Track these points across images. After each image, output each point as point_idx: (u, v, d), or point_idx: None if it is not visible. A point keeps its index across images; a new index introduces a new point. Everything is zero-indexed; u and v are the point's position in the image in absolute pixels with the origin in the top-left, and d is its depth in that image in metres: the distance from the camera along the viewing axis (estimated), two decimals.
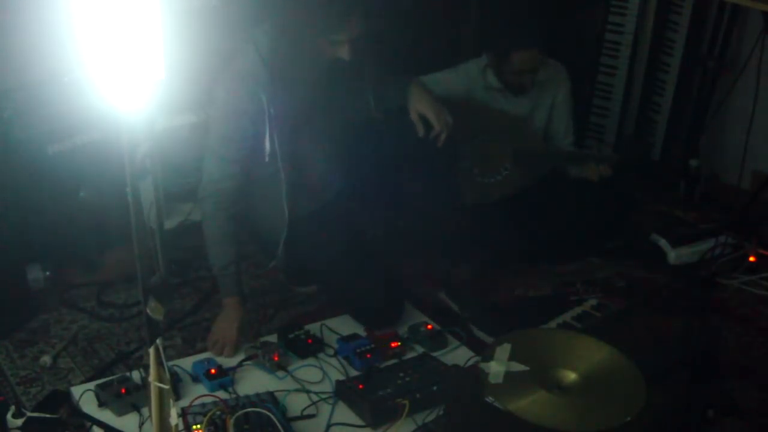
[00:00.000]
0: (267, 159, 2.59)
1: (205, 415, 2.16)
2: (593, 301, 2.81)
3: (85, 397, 2.37)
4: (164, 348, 1.68)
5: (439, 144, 2.69)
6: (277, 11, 2.50)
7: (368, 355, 2.54)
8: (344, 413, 2.35)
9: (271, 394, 2.36)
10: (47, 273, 2.97)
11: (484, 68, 3.22)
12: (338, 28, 2.41)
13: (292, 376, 2.49)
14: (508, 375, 2.01)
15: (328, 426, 2.30)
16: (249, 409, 2.22)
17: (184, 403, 2.27)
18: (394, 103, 2.73)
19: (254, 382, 2.45)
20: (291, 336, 2.64)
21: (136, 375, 2.41)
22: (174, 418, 1.71)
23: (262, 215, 2.74)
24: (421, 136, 2.68)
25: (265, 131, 2.56)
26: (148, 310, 1.61)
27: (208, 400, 2.26)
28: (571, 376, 2.03)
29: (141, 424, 2.27)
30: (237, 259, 2.60)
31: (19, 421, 2.26)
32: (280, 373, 2.49)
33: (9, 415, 2.26)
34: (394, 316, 2.76)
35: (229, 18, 3.26)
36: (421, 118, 2.68)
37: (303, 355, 2.58)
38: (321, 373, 2.50)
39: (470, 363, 2.53)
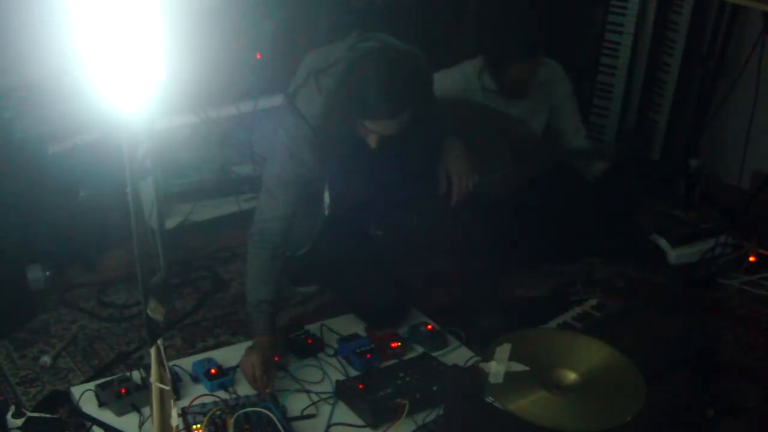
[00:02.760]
0: (327, 212, 2.64)
1: (205, 415, 2.16)
2: (593, 301, 2.80)
3: (85, 397, 2.36)
4: (164, 348, 1.68)
5: (452, 204, 2.71)
6: (342, 84, 2.47)
7: (368, 355, 2.54)
8: (344, 413, 2.35)
9: (271, 394, 2.36)
10: (47, 273, 2.97)
11: (481, 69, 3.21)
12: (373, 119, 2.40)
13: (292, 376, 2.48)
14: (508, 375, 2.01)
15: (328, 426, 2.30)
16: (249, 409, 2.22)
17: (184, 403, 2.27)
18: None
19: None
20: (291, 336, 2.64)
21: (136, 375, 2.41)
22: (174, 419, 1.71)
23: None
24: (440, 192, 2.70)
25: (322, 181, 2.59)
26: (148, 311, 1.61)
27: (208, 400, 2.27)
28: (571, 376, 2.03)
29: (141, 424, 2.27)
30: (274, 299, 2.55)
31: (19, 421, 2.26)
32: (280, 373, 2.48)
33: (9, 415, 2.26)
34: (399, 315, 2.76)
35: (228, 18, 3.26)
36: (447, 176, 2.71)
37: (303, 355, 2.58)
38: (321, 373, 2.50)
39: (470, 363, 2.52)
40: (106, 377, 2.47)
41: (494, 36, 3.25)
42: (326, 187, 2.64)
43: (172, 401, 1.71)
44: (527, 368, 2.03)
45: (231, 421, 2.13)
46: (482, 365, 2.05)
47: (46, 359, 2.62)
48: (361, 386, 2.37)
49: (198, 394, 2.32)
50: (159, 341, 1.65)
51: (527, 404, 1.93)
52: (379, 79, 2.36)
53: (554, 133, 3.40)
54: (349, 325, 2.75)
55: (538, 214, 3.19)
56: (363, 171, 2.62)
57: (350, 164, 2.59)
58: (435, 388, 2.36)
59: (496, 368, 2.02)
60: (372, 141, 2.45)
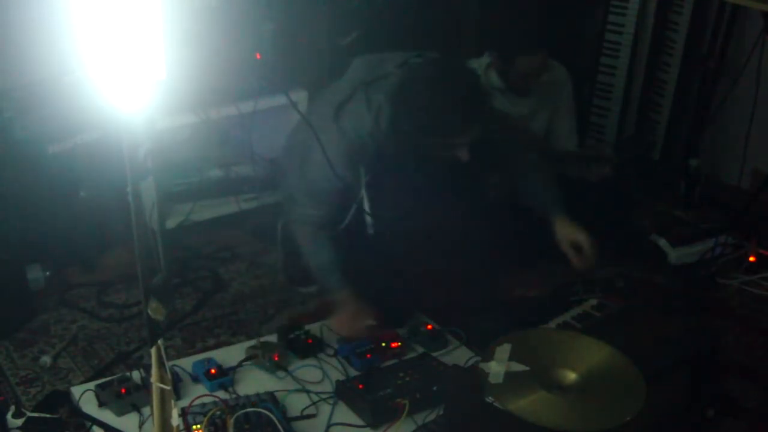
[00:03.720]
0: (371, 231, 2.63)
1: (205, 415, 2.16)
2: (593, 301, 2.80)
3: (85, 397, 2.36)
4: (164, 348, 1.68)
5: (577, 267, 2.66)
6: (400, 104, 2.41)
7: (368, 355, 2.54)
8: (344, 413, 2.35)
9: (271, 394, 2.36)
10: (47, 273, 2.97)
11: (486, 68, 3.21)
12: (461, 132, 2.37)
13: (292, 376, 2.48)
14: (508, 375, 2.01)
15: (328, 426, 2.30)
16: (249, 409, 2.22)
17: (184, 403, 2.27)
18: (532, 206, 2.75)
19: (254, 382, 2.45)
20: (291, 336, 2.64)
21: (136, 375, 2.41)
22: (175, 419, 1.71)
23: None
24: (574, 265, 2.66)
25: (361, 196, 2.58)
26: (148, 311, 1.61)
27: (208, 400, 2.26)
28: (571, 376, 2.03)
29: (141, 424, 2.27)
30: (336, 258, 2.58)
31: (19, 421, 2.26)
32: (280, 373, 2.48)
33: (9, 415, 2.26)
34: (407, 315, 2.76)
35: (228, 18, 3.26)
36: (572, 244, 2.67)
37: (303, 355, 2.58)
38: (321, 373, 2.50)
39: (470, 363, 2.52)
40: (106, 377, 2.46)
41: (502, 30, 3.25)
42: (365, 206, 2.60)
43: (172, 401, 1.71)
44: (527, 368, 2.03)
45: (231, 421, 2.13)
46: (482, 365, 2.05)
47: (46, 359, 2.62)
48: (361, 386, 2.37)
49: (198, 394, 2.32)
50: (159, 341, 1.65)
51: (527, 404, 1.93)
52: (461, 91, 2.34)
53: (548, 135, 3.40)
54: None
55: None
56: (407, 185, 2.59)
57: (393, 180, 2.56)
58: (435, 388, 2.36)
59: (496, 368, 2.02)
60: (464, 154, 2.41)
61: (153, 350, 1.65)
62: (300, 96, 3.40)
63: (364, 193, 2.58)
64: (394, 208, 2.64)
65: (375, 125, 2.49)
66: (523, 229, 3.14)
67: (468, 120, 2.37)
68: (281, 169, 2.97)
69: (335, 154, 2.48)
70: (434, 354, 2.60)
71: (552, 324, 2.65)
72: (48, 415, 2.31)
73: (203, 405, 2.24)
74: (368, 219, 2.62)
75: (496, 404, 1.95)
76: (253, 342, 2.57)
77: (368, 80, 2.54)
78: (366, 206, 2.60)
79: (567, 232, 2.69)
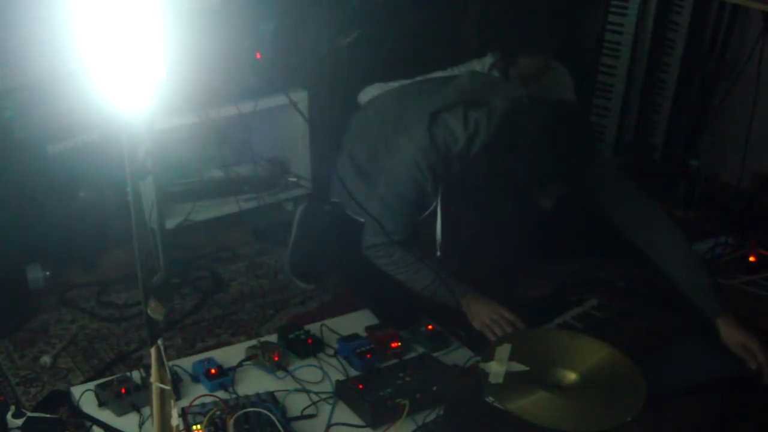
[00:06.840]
0: (438, 254, 2.56)
1: (205, 415, 2.16)
2: (593, 301, 2.80)
3: (85, 397, 2.36)
4: (164, 348, 1.68)
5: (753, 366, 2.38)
6: (504, 141, 2.34)
7: (368, 355, 2.53)
8: (344, 413, 2.35)
9: (271, 394, 2.36)
10: (47, 273, 2.97)
11: (489, 69, 3.21)
12: (561, 183, 2.36)
13: (292, 376, 2.48)
14: (508, 375, 2.01)
15: (328, 426, 2.30)
16: (249, 409, 2.21)
17: (184, 403, 2.27)
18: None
19: (254, 382, 2.45)
20: (291, 336, 2.64)
21: (136, 375, 2.41)
22: (174, 419, 1.71)
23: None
24: (754, 368, 2.40)
25: (436, 213, 2.54)
26: (148, 311, 1.61)
27: (208, 400, 2.26)
28: (571, 376, 2.03)
29: (141, 424, 2.27)
30: (439, 268, 2.53)
31: (19, 421, 2.26)
32: (280, 373, 2.48)
33: (9, 415, 2.26)
34: (417, 318, 2.76)
35: (228, 18, 3.26)
36: (743, 348, 2.42)
37: (303, 355, 2.58)
38: (321, 373, 2.50)
39: (470, 363, 2.52)
40: (106, 377, 2.46)
41: (505, 31, 3.24)
42: (437, 220, 2.56)
43: (172, 401, 1.71)
44: (527, 368, 2.04)
45: (231, 421, 2.13)
46: (482, 365, 2.05)
47: (46, 359, 2.62)
48: (361, 386, 2.37)
49: (198, 394, 2.32)
50: (159, 341, 1.65)
51: (527, 404, 1.94)
52: (571, 143, 2.29)
53: None
54: (349, 325, 2.75)
55: (539, 215, 3.19)
56: (476, 214, 2.59)
57: (464, 206, 2.55)
58: (435, 388, 2.36)
59: (496, 368, 2.03)
60: (548, 204, 2.41)
61: (153, 350, 1.65)
62: (300, 96, 3.40)
63: (439, 211, 2.52)
64: (458, 234, 2.60)
65: (465, 147, 2.45)
66: (539, 228, 3.14)
67: (572, 173, 2.34)
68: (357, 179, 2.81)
69: (421, 153, 2.44)
70: (434, 354, 2.60)
71: (552, 324, 2.66)
72: (48, 415, 2.31)
73: (203, 405, 2.23)
74: (438, 238, 2.56)
75: (496, 404, 1.95)
76: (253, 342, 2.57)
77: (470, 99, 2.48)
78: (438, 226, 2.55)
79: (736, 337, 2.44)
